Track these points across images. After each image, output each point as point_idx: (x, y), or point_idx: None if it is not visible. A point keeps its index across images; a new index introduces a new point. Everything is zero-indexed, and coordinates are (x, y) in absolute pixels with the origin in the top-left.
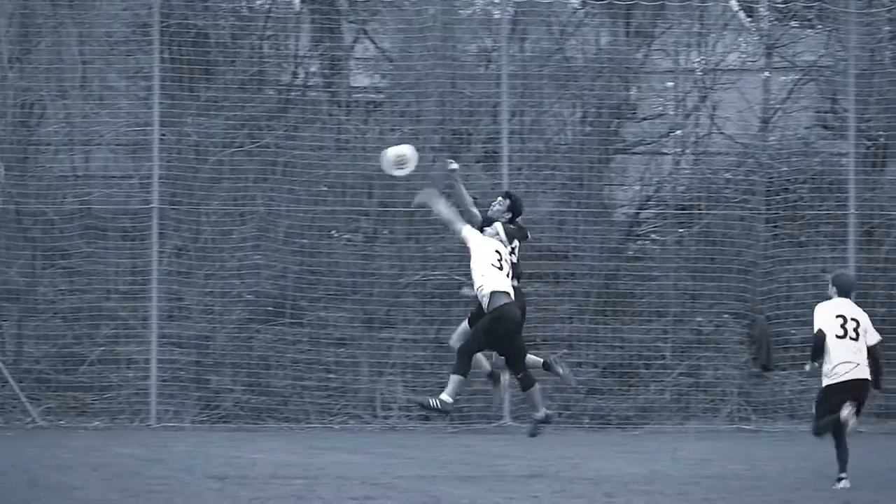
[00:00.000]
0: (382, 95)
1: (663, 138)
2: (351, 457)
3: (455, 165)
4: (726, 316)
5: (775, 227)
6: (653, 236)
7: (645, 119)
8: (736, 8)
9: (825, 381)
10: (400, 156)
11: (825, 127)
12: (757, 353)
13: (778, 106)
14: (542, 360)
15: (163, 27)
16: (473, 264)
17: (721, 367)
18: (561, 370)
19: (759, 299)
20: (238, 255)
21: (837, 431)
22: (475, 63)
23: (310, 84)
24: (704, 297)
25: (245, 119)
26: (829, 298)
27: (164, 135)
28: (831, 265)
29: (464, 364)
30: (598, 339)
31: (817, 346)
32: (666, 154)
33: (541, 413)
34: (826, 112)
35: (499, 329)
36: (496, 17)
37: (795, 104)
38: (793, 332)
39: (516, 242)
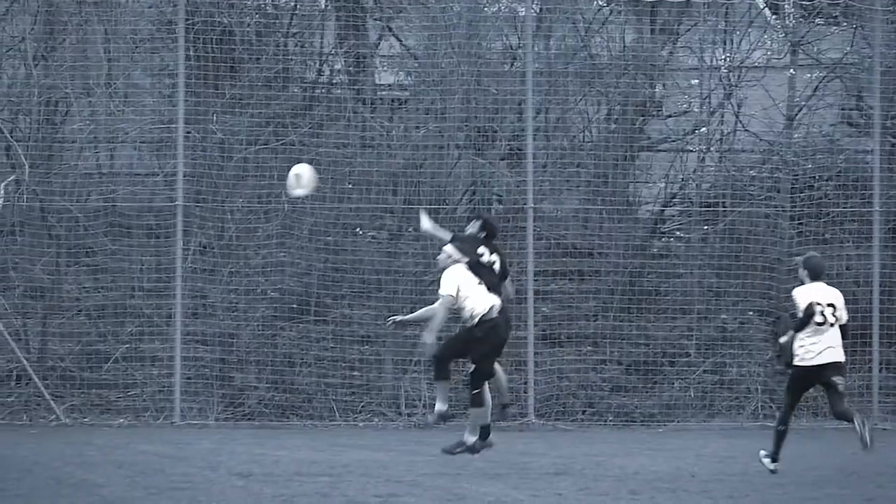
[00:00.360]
0: (407, 93)
1: (688, 136)
2: (375, 454)
3: (426, 225)
4: (751, 313)
5: (800, 224)
6: (677, 233)
7: (670, 116)
8: (761, 5)
9: (798, 363)
10: (297, 175)
11: (850, 124)
12: (781, 351)
13: (803, 103)
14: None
15: (188, 25)
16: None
17: (745, 365)
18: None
19: (784, 297)
20: (262, 253)
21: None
22: (500, 60)
23: (335, 81)
24: (729, 295)
25: (270, 116)
26: (802, 283)
27: (188, 132)
28: (856, 262)
29: (443, 370)
30: (622, 337)
31: (806, 317)
32: (691, 151)
33: (443, 407)
34: (851, 109)
35: (490, 339)
36: (521, 14)
37: (820, 101)
38: None
39: (495, 257)
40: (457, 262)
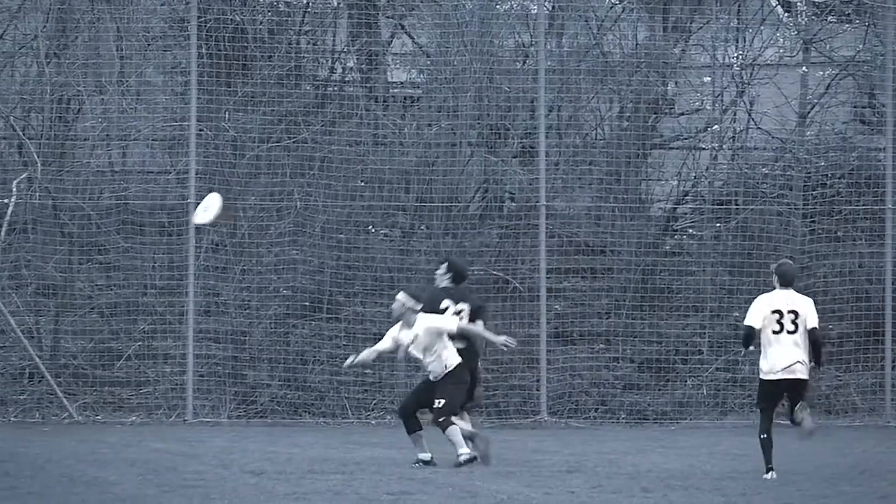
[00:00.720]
0: (420, 91)
1: (700, 133)
2: (387, 452)
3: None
4: None
5: (812, 222)
6: (690, 231)
7: (682, 114)
8: (774, 3)
9: (762, 376)
10: (205, 207)
11: (863, 122)
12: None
13: (815, 101)
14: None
15: (200, 22)
16: (440, 344)
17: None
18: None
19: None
20: (275, 251)
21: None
22: (512, 58)
23: (347, 79)
24: (741, 293)
25: (282, 114)
26: (773, 289)
27: (201, 130)
28: (868, 260)
29: (412, 423)
30: (635, 335)
31: (746, 339)
32: (703, 149)
33: (465, 451)
34: (864, 107)
35: (462, 383)
36: (533, 12)
37: (833, 99)
38: (830, 327)
39: (462, 306)
40: (411, 310)
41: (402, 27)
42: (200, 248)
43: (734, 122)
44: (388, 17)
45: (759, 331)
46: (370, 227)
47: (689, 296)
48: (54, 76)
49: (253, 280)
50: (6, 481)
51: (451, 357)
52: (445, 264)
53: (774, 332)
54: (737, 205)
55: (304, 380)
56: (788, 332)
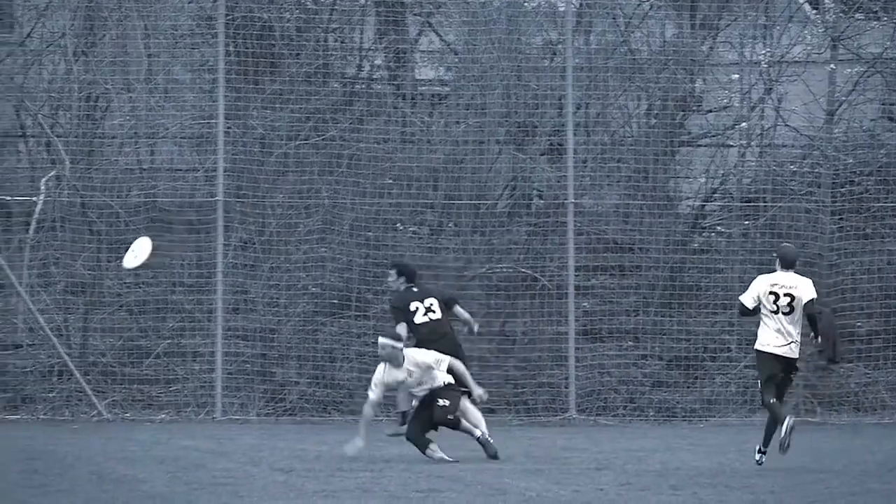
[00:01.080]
0: (447, 88)
1: (728, 130)
2: (416, 450)
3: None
4: None
5: (841, 219)
6: (718, 229)
7: (710, 111)
8: (801, 0)
9: (756, 346)
10: (134, 251)
11: (891, 119)
12: (822, 346)
13: (843, 98)
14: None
15: (228, 20)
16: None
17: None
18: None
19: (825, 292)
20: (303, 248)
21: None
22: (540, 56)
23: (375, 77)
24: None
25: (310, 112)
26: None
27: (229, 128)
28: None
29: (422, 442)
30: (663, 332)
31: (740, 314)
32: (731, 146)
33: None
34: (892, 104)
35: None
36: (561, 9)
37: (861, 96)
38: (858, 324)
39: (430, 300)
40: (395, 348)
41: (430, 24)
42: (229, 246)
43: (762, 119)
44: (415, 15)
45: (758, 307)
46: (398, 224)
47: (717, 293)
48: (82, 74)
49: (281, 278)
50: (36, 479)
51: (442, 377)
52: (394, 270)
53: (772, 312)
54: (765, 202)
55: (333, 377)
56: (783, 314)
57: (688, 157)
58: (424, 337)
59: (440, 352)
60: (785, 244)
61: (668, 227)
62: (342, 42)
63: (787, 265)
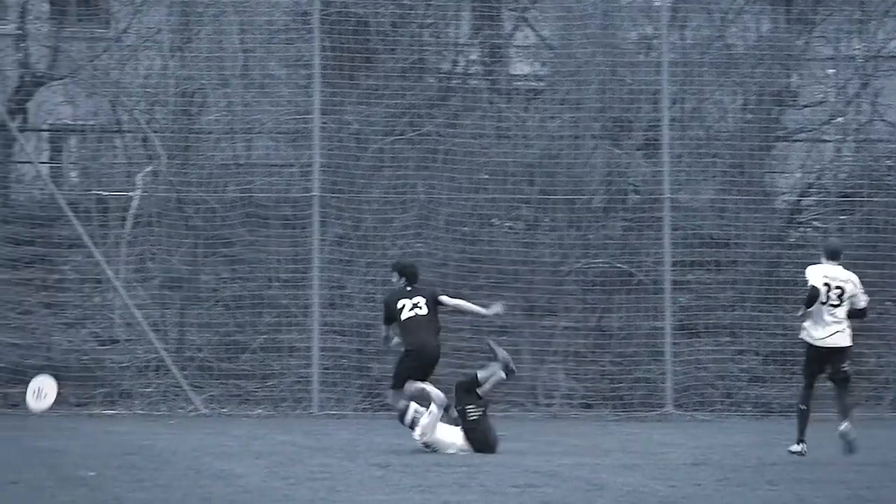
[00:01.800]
0: (543, 83)
1: (824, 125)
2: (512, 445)
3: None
4: (888, 303)
5: None
6: (815, 224)
7: (806, 106)
8: None
9: (803, 336)
10: (34, 389)
11: None
12: None
13: None
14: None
15: (323, 15)
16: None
17: (884, 355)
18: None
19: None
20: (399, 244)
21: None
22: (635, 50)
23: (470, 72)
24: (866, 285)
25: (405, 107)
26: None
27: (324, 123)
28: None
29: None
30: (760, 327)
31: (811, 298)
32: (827, 141)
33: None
34: None
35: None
36: (657, 4)
37: None
38: None
39: (418, 299)
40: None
41: (525, 20)
42: (325, 241)
43: (858, 114)
44: (510, 10)
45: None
46: (494, 219)
47: None
48: (178, 70)
49: (377, 273)
50: (133, 474)
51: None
52: (396, 272)
53: (821, 303)
54: (861, 197)
55: None
56: (832, 305)
57: (784, 152)
58: (408, 329)
59: (420, 341)
60: (830, 239)
61: (765, 222)
62: (437, 37)
63: (833, 257)
